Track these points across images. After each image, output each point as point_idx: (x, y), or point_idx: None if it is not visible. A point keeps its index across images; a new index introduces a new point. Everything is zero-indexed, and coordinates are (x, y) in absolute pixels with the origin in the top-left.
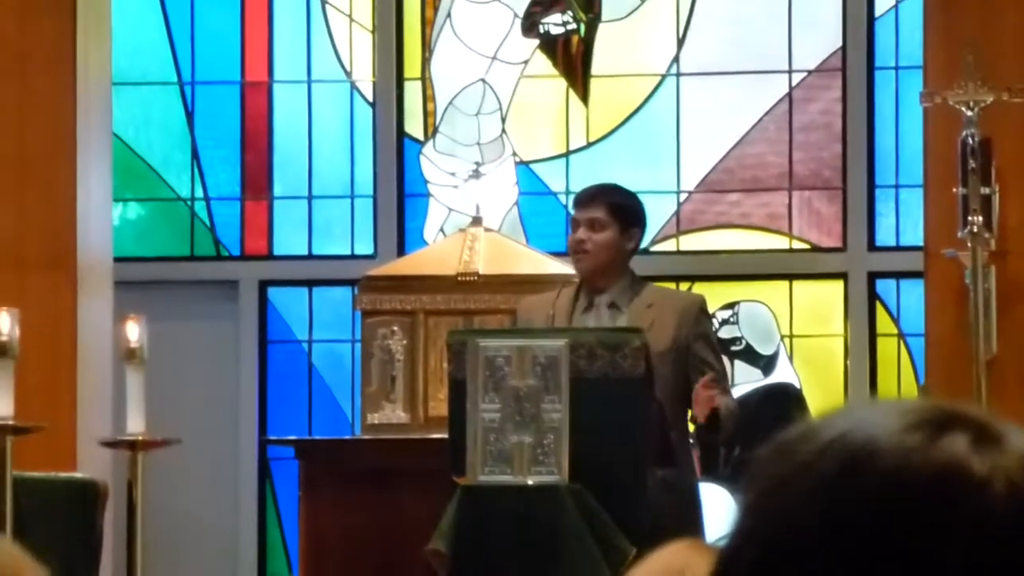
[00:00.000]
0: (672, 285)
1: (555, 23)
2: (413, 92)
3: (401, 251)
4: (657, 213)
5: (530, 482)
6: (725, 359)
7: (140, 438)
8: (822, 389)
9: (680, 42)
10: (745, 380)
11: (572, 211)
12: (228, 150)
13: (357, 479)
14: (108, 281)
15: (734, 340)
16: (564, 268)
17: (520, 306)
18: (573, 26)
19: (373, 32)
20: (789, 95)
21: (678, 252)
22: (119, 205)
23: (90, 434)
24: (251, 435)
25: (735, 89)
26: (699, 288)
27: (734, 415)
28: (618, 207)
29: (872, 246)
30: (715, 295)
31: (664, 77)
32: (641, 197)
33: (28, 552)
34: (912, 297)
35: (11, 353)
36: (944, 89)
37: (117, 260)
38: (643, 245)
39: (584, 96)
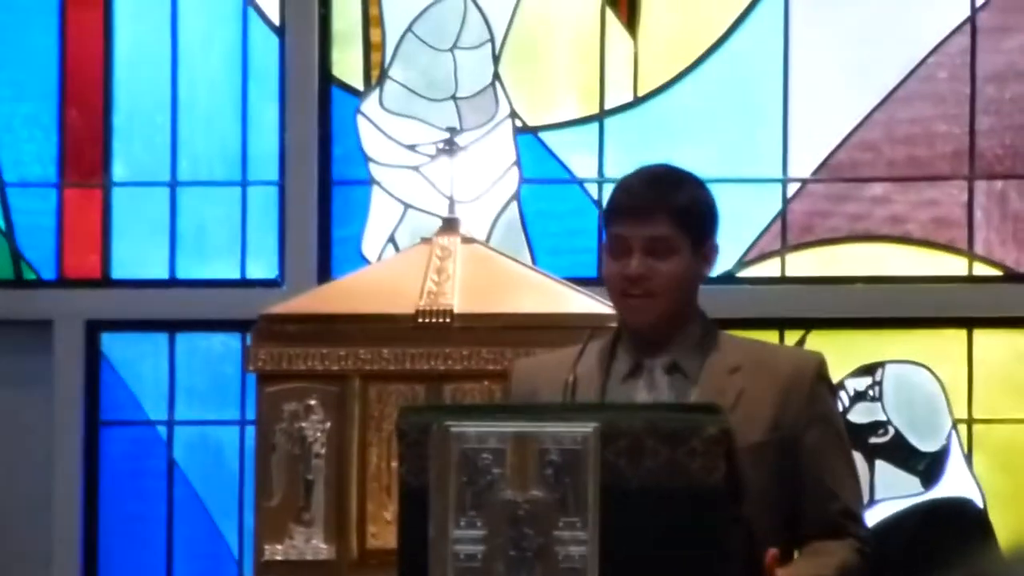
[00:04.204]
0: (772, 336)
1: None
2: (345, 11)
3: (324, 275)
4: (748, 215)
5: None
6: (859, 458)
7: None
8: (1022, 507)
9: None
10: (894, 494)
11: (611, 222)
12: (36, 103)
13: None
14: None
15: (875, 428)
16: (596, 305)
17: (517, 368)
18: None
19: None
20: (971, 20)
21: (782, 280)
22: None
23: None
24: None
25: (881, 8)
26: (817, 340)
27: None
28: (688, 211)
29: None
30: (844, 352)
31: None
32: (718, 188)
33: None
34: None
35: None
36: None
37: None
38: (721, 267)
39: (630, 20)
